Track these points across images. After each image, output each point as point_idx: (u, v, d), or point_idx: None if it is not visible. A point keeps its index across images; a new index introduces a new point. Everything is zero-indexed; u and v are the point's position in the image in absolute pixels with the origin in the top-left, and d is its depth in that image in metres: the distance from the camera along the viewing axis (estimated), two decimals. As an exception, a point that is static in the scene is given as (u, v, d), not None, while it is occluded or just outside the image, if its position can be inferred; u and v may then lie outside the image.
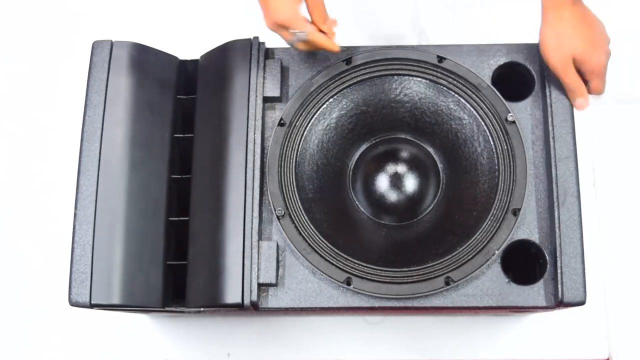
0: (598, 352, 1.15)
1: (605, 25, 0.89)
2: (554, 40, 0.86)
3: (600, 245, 1.18)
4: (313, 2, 0.86)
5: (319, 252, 0.85)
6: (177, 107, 0.95)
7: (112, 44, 0.93)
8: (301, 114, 0.91)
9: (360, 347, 1.15)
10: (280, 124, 0.90)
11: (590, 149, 1.22)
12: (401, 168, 0.94)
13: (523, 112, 0.90)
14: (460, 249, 0.84)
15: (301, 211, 0.87)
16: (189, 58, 0.97)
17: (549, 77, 0.89)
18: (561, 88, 0.89)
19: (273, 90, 0.91)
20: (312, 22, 0.86)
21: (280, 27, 0.85)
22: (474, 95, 0.90)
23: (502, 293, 0.84)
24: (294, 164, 0.89)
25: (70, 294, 0.85)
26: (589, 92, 0.89)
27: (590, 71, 0.87)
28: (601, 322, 1.16)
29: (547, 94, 0.89)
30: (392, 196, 0.93)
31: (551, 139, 0.87)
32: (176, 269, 0.90)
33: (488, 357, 1.15)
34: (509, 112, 0.89)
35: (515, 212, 0.86)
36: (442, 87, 0.91)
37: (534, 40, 0.92)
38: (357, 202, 0.95)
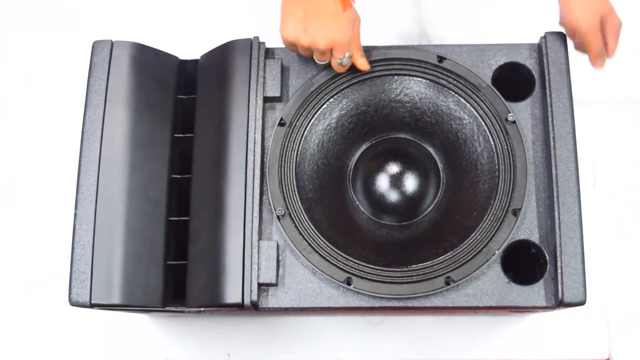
0: (598, 352, 1.15)
1: None
2: (585, 3, 0.88)
3: (600, 245, 1.18)
4: (356, 33, 0.88)
5: (319, 252, 0.85)
6: (178, 107, 0.95)
7: (112, 43, 0.93)
8: (301, 114, 0.91)
9: (360, 347, 1.15)
10: (281, 124, 0.90)
11: (590, 149, 1.22)
12: (401, 168, 0.94)
13: (523, 112, 0.90)
14: (460, 249, 0.84)
15: (301, 211, 0.87)
16: (189, 58, 0.97)
17: (550, 77, 0.89)
18: (561, 88, 0.89)
19: (273, 90, 0.91)
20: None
21: (329, 48, 0.86)
22: (474, 95, 0.90)
23: (502, 293, 0.84)
24: (294, 164, 0.89)
25: (70, 293, 0.85)
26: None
27: (612, 29, 0.89)
28: (601, 322, 1.16)
29: (547, 94, 0.89)
30: (392, 196, 0.93)
31: (551, 139, 0.87)
32: (176, 269, 0.90)
33: (488, 357, 1.15)
34: (509, 112, 0.89)
35: (516, 212, 0.85)
36: (442, 87, 0.91)
37: (534, 40, 0.92)
38: (357, 202, 0.95)
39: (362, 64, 0.89)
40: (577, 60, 0.92)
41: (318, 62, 0.89)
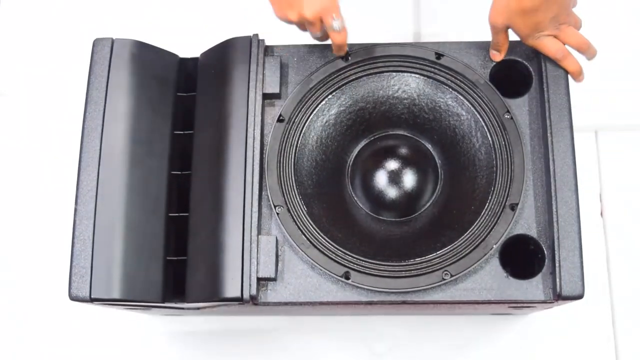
0: (599, 352, 1.15)
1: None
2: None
3: (603, 245, 1.18)
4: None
5: (318, 246, 0.85)
6: (177, 104, 0.96)
7: (112, 41, 0.93)
8: (300, 110, 0.91)
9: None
10: (280, 120, 0.90)
11: (591, 150, 1.23)
12: (399, 164, 0.94)
13: (521, 109, 0.91)
14: (458, 243, 0.84)
15: (300, 206, 0.87)
16: (189, 56, 0.98)
17: (547, 73, 0.90)
18: (558, 84, 0.89)
19: (272, 87, 0.91)
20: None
21: (318, 17, 0.86)
22: (472, 92, 0.91)
23: (500, 287, 0.84)
24: (292, 160, 0.90)
25: (70, 288, 0.85)
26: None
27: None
28: (603, 322, 1.15)
29: (545, 90, 0.89)
30: (391, 192, 0.93)
31: (549, 134, 0.87)
32: (176, 265, 0.90)
33: (488, 357, 1.15)
34: (507, 109, 0.89)
35: (513, 207, 0.86)
36: (440, 83, 0.92)
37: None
38: (355, 198, 0.95)
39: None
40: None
41: (315, 38, 0.90)
